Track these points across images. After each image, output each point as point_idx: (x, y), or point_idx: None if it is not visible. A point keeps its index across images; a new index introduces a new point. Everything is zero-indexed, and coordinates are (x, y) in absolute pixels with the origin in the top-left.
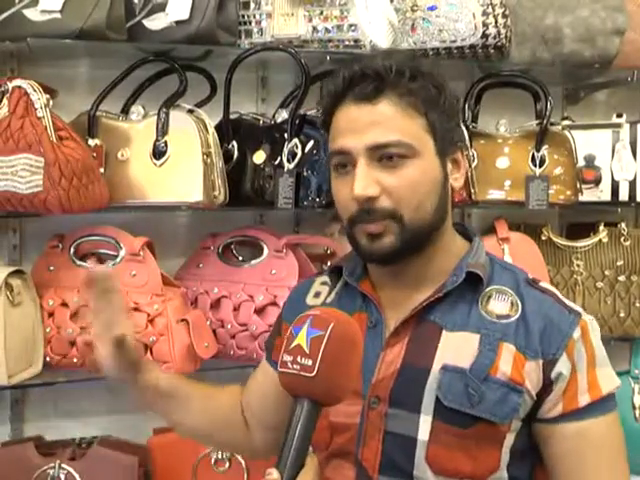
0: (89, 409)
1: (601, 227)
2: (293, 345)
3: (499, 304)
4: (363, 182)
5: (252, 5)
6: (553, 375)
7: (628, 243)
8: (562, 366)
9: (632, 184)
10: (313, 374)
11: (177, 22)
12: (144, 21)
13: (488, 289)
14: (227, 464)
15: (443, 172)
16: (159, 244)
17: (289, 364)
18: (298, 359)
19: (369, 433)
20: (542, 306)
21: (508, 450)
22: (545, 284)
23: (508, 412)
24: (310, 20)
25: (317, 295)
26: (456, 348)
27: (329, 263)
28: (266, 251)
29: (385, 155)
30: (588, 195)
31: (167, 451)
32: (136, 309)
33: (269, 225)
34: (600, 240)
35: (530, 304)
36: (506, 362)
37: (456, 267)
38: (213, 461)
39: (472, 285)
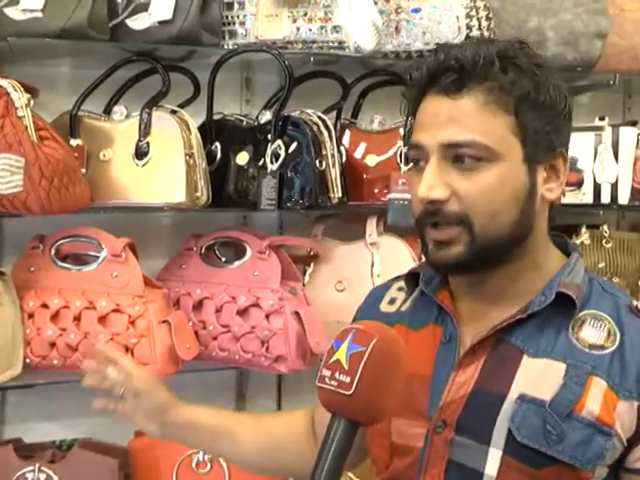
0: (69, 411)
1: (583, 229)
2: (332, 360)
3: (593, 332)
4: (429, 182)
5: (236, 6)
6: None
7: (610, 245)
8: None
9: (614, 187)
10: (350, 392)
11: (160, 22)
12: (127, 21)
13: (582, 313)
14: (208, 466)
15: (530, 180)
16: (141, 245)
17: (327, 379)
18: (336, 375)
19: (432, 460)
20: None
21: None
22: None
23: (592, 457)
24: (294, 21)
25: (392, 302)
26: (537, 377)
27: (312, 265)
28: (249, 252)
29: (459, 155)
30: (570, 197)
31: (148, 453)
32: (117, 310)
33: (252, 226)
34: (582, 242)
35: (631, 335)
36: (594, 399)
37: (546, 286)
38: (194, 463)
39: (563, 307)
